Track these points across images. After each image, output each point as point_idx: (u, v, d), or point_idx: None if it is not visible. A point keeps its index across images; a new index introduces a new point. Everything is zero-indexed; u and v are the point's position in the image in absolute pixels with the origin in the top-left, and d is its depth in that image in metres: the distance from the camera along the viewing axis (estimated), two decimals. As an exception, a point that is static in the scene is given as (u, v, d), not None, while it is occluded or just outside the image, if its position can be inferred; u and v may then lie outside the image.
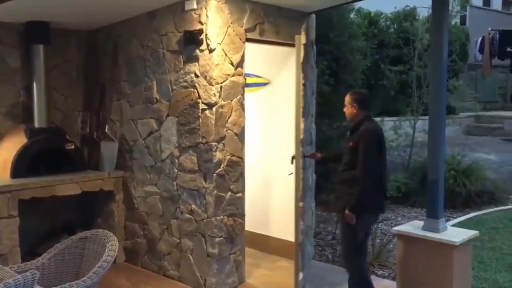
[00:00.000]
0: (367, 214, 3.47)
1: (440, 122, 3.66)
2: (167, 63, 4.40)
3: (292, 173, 4.09)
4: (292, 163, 4.02)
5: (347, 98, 3.61)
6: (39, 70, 4.83)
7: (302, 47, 4.00)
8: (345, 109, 3.64)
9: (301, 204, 4.04)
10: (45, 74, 4.88)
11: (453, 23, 13.42)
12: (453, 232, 3.72)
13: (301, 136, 3.98)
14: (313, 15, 4.81)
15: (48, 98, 4.95)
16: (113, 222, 5.00)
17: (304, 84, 3.99)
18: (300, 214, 4.04)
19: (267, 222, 5.09)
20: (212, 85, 4.00)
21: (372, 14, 11.55)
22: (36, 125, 4.84)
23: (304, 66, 4.02)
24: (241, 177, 4.28)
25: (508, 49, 5.52)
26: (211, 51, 3.98)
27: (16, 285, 2.21)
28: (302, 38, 4.00)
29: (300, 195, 4.05)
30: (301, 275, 4.05)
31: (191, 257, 4.29)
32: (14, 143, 4.72)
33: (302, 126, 4.01)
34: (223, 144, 4.10)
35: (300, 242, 4.06)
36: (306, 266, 4.32)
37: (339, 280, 4.35)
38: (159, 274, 4.63)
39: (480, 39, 5.72)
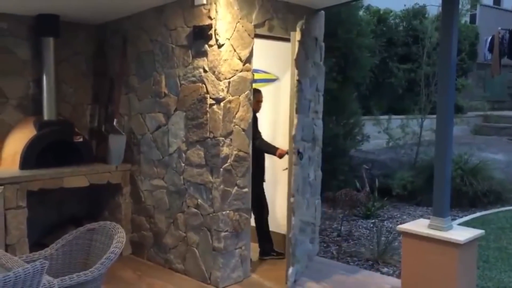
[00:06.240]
0: None
1: (448, 121, 3.66)
2: (175, 58, 4.41)
3: (286, 168, 4.22)
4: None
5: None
6: (49, 63, 4.87)
7: (296, 44, 3.99)
8: None
9: (292, 199, 4.05)
10: (55, 67, 4.92)
11: (462, 21, 13.28)
12: (459, 231, 3.71)
13: (293, 132, 4.03)
14: (322, 12, 4.81)
15: (58, 90, 5.00)
16: (120, 215, 5.04)
17: (298, 80, 4.00)
18: (291, 209, 4.07)
19: (273, 218, 5.09)
20: (220, 80, 4.01)
21: (381, 12, 11.46)
22: (45, 117, 4.88)
23: (300, 63, 4.00)
24: (247, 172, 4.29)
25: (518, 48, 5.48)
26: (220, 46, 4.00)
27: (25, 274, 2.23)
28: (297, 35, 3.99)
29: (292, 191, 4.06)
30: (290, 270, 4.07)
31: (197, 251, 4.32)
32: (24, 135, 4.77)
33: (295, 122, 4.02)
34: (231, 139, 4.12)
35: (290, 237, 4.07)
36: (302, 260, 4.36)
37: (339, 276, 4.43)
38: (165, 267, 4.66)
39: (489, 38, 5.68)
